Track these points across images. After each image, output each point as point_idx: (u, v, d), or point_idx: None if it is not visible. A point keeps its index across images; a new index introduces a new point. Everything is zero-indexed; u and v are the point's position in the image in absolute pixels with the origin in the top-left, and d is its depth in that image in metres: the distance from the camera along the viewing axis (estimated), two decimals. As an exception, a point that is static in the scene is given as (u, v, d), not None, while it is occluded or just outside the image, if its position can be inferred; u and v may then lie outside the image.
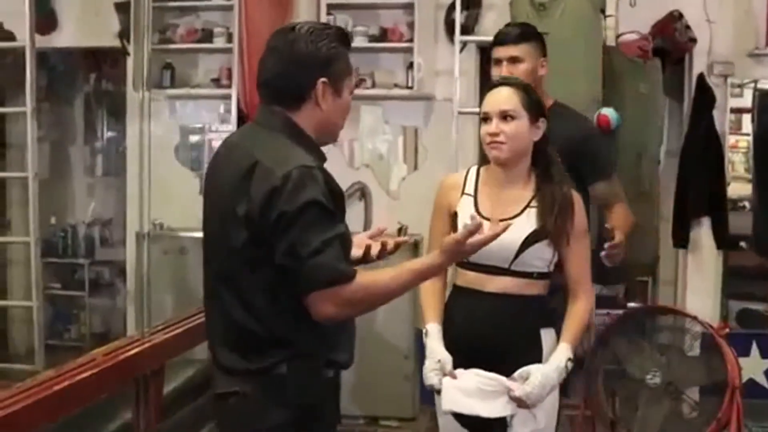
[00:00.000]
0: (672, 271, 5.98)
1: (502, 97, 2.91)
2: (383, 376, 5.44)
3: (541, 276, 2.93)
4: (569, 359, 2.83)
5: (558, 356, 2.83)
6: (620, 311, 5.61)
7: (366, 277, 2.30)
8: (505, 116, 2.88)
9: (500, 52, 3.50)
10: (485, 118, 2.91)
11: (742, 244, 6.49)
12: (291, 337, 2.35)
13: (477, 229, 2.39)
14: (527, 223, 2.87)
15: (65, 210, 7.43)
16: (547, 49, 3.54)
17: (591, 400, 4.74)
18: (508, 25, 3.69)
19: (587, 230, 3.02)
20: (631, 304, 6.43)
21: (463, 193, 3.01)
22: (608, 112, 3.39)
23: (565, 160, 3.00)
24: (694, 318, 4.65)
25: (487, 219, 2.88)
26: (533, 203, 2.90)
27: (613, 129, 3.43)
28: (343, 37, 2.46)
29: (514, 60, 3.45)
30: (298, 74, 2.37)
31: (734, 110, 6.59)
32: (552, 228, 2.86)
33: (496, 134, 2.88)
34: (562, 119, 3.30)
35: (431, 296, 3.05)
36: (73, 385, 2.89)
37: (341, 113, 2.47)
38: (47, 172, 6.60)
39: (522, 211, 2.89)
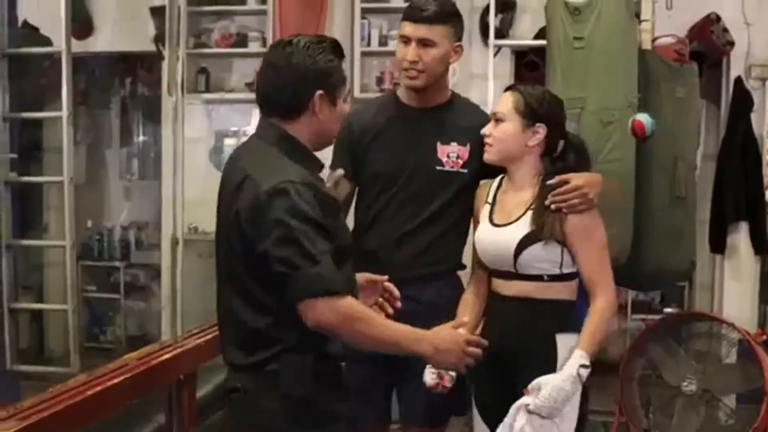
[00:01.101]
0: (709, 277, 5.93)
1: (500, 101, 2.98)
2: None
3: (554, 278, 2.91)
4: (582, 366, 2.78)
5: (570, 364, 2.79)
6: (656, 317, 5.61)
7: (364, 307, 2.41)
8: (495, 118, 2.95)
9: (410, 29, 3.06)
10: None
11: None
12: (284, 331, 2.38)
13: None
14: (523, 226, 2.88)
15: (101, 213, 7.51)
16: (463, 32, 3.20)
17: (626, 406, 4.73)
18: None
19: (594, 229, 2.92)
20: (668, 310, 6.42)
21: (485, 201, 3.04)
22: (643, 117, 3.31)
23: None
24: (731, 325, 4.64)
25: (498, 226, 2.94)
26: (531, 207, 2.90)
27: (648, 135, 3.36)
28: (338, 50, 2.51)
29: (424, 43, 3.04)
30: (297, 87, 2.44)
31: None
32: (542, 229, 2.84)
33: (487, 135, 2.96)
34: (466, 110, 3.25)
35: (463, 305, 3.08)
36: (106, 390, 2.92)
37: (336, 121, 2.56)
38: (84, 176, 6.66)
39: (521, 216, 2.90)
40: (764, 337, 4.64)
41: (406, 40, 3.06)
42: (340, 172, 3.14)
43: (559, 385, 2.75)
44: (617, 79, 3.75)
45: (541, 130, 2.93)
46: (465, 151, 3.12)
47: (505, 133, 2.92)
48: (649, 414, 4.75)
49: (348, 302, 2.31)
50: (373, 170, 3.16)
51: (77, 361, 4.65)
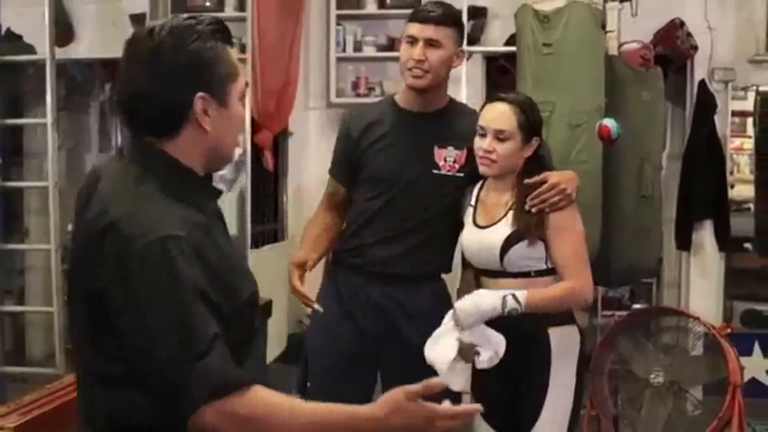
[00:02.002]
0: (676, 274, 6.07)
1: (499, 116, 3.00)
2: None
3: (540, 273, 3.01)
4: (513, 296, 2.86)
5: (505, 292, 2.90)
6: (625, 313, 5.76)
7: (271, 395, 1.76)
8: (499, 136, 2.99)
9: (417, 30, 3.15)
10: (481, 132, 3.02)
11: (747, 245, 6.65)
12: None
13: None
14: (506, 226, 2.99)
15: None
16: (464, 39, 3.32)
17: (596, 399, 4.86)
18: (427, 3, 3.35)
19: (573, 223, 3.04)
20: (636, 306, 6.58)
21: (468, 204, 3.15)
22: (609, 122, 3.46)
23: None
24: (696, 319, 4.77)
25: (482, 227, 3.05)
26: (513, 208, 3.01)
27: (614, 139, 3.52)
28: (218, 31, 1.86)
29: (431, 43, 3.12)
30: (167, 93, 1.82)
31: (737, 113, 6.77)
32: (525, 228, 2.96)
33: (489, 152, 3.00)
34: (464, 114, 3.32)
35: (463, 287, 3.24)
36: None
37: (234, 128, 1.93)
38: (64, 180, 6.74)
39: (503, 216, 3.02)
40: (728, 330, 4.76)
41: (412, 40, 3.14)
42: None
43: (483, 293, 2.90)
44: (585, 83, 3.93)
45: (535, 143, 3.04)
46: (462, 156, 3.19)
47: (509, 151, 3.00)
48: (618, 405, 4.87)
49: (242, 401, 1.70)
50: (371, 173, 3.24)
51: (62, 361, 4.76)
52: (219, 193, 2.06)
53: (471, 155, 3.13)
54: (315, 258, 3.33)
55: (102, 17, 5.66)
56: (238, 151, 1.95)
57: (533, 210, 2.97)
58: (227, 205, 5.37)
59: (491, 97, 3.19)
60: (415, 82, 3.16)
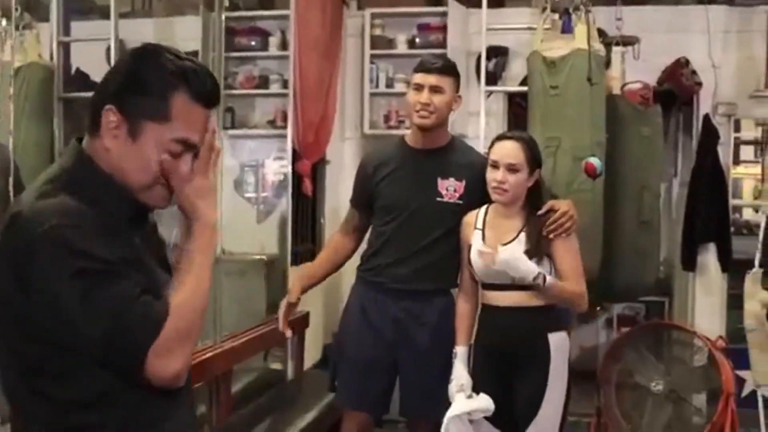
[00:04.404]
0: (686, 292, 6.21)
1: (511, 151, 3.46)
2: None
3: None
4: (544, 276, 3.34)
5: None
6: (634, 328, 6.06)
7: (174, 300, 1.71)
8: (511, 168, 3.45)
9: (424, 78, 3.62)
10: (494, 165, 3.48)
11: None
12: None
13: None
14: (519, 246, 3.43)
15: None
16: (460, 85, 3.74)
17: (604, 407, 5.23)
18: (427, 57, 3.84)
19: (575, 244, 3.51)
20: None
21: (474, 227, 3.57)
22: (594, 160, 3.91)
23: (476, 182, 3.58)
24: (694, 333, 5.16)
25: (492, 246, 3.47)
26: (524, 230, 3.46)
27: (598, 174, 3.97)
28: (185, 74, 1.74)
29: (435, 89, 3.60)
30: (99, 88, 1.79)
31: (746, 142, 7.11)
32: (537, 246, 3.41)
33: (502, 182, 3.45)
34: (463, 150, 3.81)
35: (462, 319, 3.64)
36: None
37: (135, 164, 1.76)
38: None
39: (515, 237, 3.46)
40: (723, 344, 5.09)
41: (419, 87, 3.63)
42: None
43: (527, 262, 3.36)
44: (586, 122, 4.30)
45: (537, 174, 3.52)
46: (461, 186, 3.68)
47: (519, 181, 3.46)
48: (623, 413, 5.22)
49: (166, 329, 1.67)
50: (384, 202, 3.73)
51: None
52: (144, 219, 1.89)
53: (469, 185, 3.63)
54: (320, 275, 3.90)
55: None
56: (158, 202, 1.83)
57: (551, 236, 3.43)
58: (269, 227, 5.83)
59: (500, 135, 3.64)
60: (422, 122, 3.66)
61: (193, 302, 1.72)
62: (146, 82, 1.73)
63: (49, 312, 1.65)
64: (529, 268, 3.34)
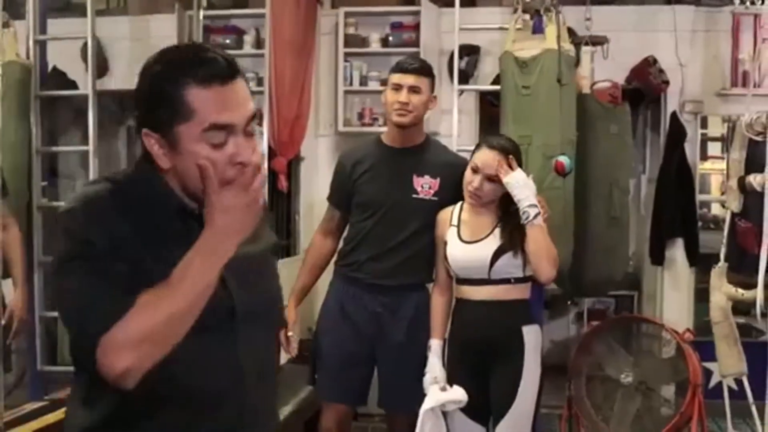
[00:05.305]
0: (654, 286, 6.38)
1: (493, 162, 3.53)
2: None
3: (518, 281, 3.55)
4: (537, 214, 3.46)
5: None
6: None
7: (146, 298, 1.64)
8: (489, 179, 3.54)
9: (402, 78, 3.72)
10: (474, 170, 3.57)
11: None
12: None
13: None
14: (494, 241, 3.53)
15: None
16: (434, 88, 3.83)
17: (576, 401, 5.30)
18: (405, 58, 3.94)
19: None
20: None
21: (450, 224, 3.66)
22: (563, 158, 4.00)
23: (451, 180, 3.69)
24: (662, 326, 5.26)
25: (467, 242, 3.57)
26: (498, 227, 3.56)
27: (567, 172, 4.07)
28: (183, 68, 1.71)
29: (413, 89, 3.70)
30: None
31: (713, 138, 7.24)
32: (511, 241, 3.50)
33: (478, 189, 3.55)
34: (438, 149, 3.92)
35: (437, 313, 3.72)
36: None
37: (189, 171, 1.72)
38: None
39: (490, 233, 3.56)
40: (691, 336, 5.15)
41: (397, 87, 3.72)
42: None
43: (533, 189, 3.52)
44: (557, 120, 4.39)
45: None
46: (436, 183, 3.77)
47: (495, 189, 3.55)
48: (593, 404, 5.28)
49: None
50: (362, 199, 3.81)
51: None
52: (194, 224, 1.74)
53: (443, 183, 3.73)
54: (310, 285, 3.99)
55: (134, 53, 5.95)
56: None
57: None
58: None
59: (486, 141, 3.68)
60: (400, 120, 3.74)
61: (164, 304, 1.62)
62: (156, 93, 1.71)
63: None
64: (531, 194, 3.47)
